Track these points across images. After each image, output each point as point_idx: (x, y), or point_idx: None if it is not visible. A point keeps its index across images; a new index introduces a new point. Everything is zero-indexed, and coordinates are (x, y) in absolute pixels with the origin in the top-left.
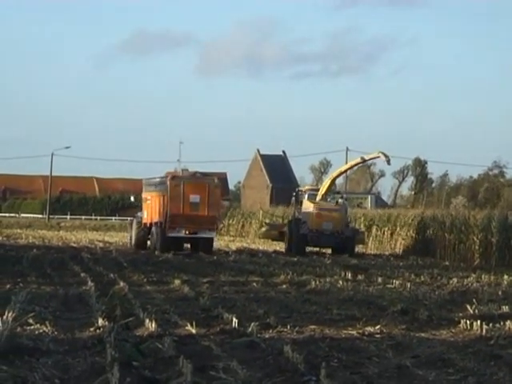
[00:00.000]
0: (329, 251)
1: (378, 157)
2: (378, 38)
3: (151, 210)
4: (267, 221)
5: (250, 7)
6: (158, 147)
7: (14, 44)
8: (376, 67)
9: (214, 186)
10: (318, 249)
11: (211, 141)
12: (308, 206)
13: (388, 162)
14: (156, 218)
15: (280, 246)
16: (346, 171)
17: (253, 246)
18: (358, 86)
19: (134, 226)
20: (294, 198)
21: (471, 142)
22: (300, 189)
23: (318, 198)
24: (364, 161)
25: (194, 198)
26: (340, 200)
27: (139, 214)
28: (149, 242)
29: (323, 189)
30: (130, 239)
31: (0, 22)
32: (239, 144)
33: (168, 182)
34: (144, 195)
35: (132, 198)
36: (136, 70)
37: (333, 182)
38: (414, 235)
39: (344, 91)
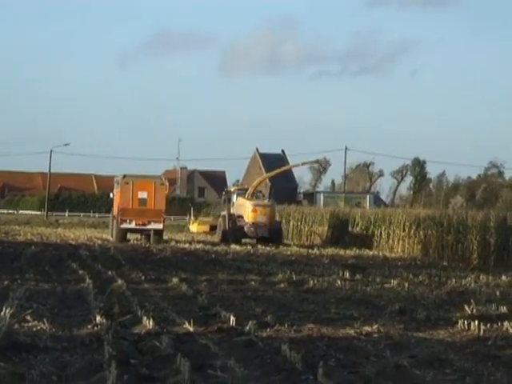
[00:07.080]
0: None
1: (317, 162)
2: (399, 40)
3: (115, 204)
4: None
5: (272, 6)
6: (159, 145)
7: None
8: (392, 69)
9: (159, 183)
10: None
11: (211, 139)
12: (243, 203)
13: (323, 166)
14: (115, 212)
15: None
16: (281, 173)
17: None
18: (368, 86)
19: (111, 219)
20: (224, 197)
21: (468, 143)
22: (228, 189)
23: (248, 195)
24: (303, 164)
25: (142, 194)
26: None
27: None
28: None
29: (253, 188)
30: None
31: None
32: (238, 143)
33: (120, 181)
34: (114, 192)
35: (111, 195)
36: (153, 69)
37: (264, 181)
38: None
39: (352, 92)
